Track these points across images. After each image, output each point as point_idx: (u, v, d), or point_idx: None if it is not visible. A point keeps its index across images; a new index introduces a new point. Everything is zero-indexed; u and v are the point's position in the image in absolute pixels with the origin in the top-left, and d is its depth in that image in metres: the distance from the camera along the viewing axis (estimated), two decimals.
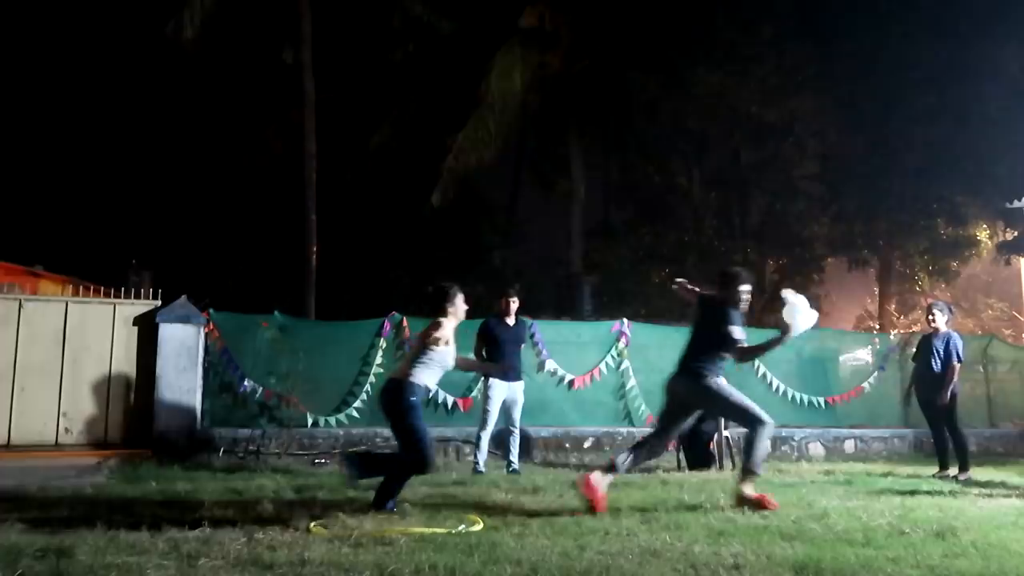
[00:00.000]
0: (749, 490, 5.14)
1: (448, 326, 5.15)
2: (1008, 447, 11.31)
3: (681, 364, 5.44)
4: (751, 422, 5.25)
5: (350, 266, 18.06)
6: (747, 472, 5.20)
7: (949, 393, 7.72)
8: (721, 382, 5.33)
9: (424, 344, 5.08)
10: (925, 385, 7.92)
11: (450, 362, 5.20)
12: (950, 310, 8.20)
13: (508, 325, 8.03)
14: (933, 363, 7.82)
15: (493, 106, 16.87)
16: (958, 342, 7.84)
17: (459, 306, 5.27)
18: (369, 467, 5.18)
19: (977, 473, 7.70)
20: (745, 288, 5.43)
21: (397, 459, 5.20)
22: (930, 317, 8.04)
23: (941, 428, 7.95)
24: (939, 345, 7.84)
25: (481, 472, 7.59)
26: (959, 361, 7.75)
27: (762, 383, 10.88)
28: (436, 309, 5.23)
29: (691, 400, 5.43)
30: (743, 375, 10.48)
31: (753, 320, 17.60)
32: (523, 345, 8.44)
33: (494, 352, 7.93)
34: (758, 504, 5.03)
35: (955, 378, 7.74)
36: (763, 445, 5.24)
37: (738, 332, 5.28)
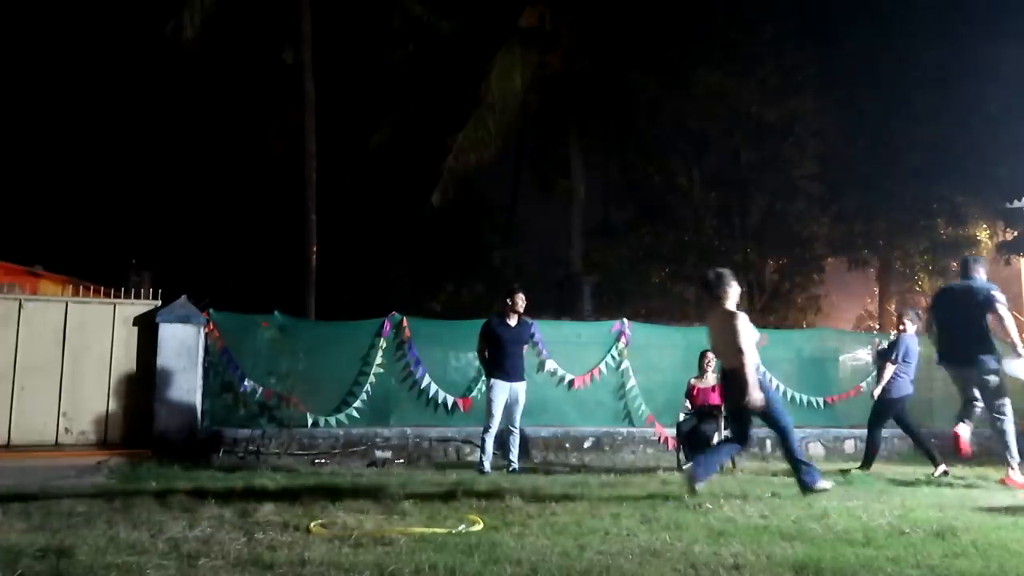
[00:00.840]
0: (1018, 477, 6.42)
1: (743, 314, 5.58)
2: None
3: (961, 352, 6.75)
4: (997, 413, 6.57)
5: (350, 266, 18.06)
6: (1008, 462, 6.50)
7: (881, 390, 8.12)
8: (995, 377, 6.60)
9: (741, 332, 5.49)
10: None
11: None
12: (919, 316, 8.59)
13: (510, 325, 8.01)
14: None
15: (493, 106, 16.86)
16: (906, 343, 8.17)
17: (735, 288, 5.72)
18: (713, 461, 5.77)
19: (977, 473, 7.72)
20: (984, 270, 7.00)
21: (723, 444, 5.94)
22: (900, 326, 8.43)
23: (915, 429, 8.32)
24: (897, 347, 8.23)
25: (486, 472, 7.59)
26: (894, 361, 8.09)
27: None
28: (713, 294, 5.72)
29: (974, 384, 6.68)
30: None
31: (754, 320, 17.63)
32: (526, 346, 8.43)
33: (497, 352, 7.92)
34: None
35: (886, 376, 8.10)
36: (1011, 435, 6.61)
37: (999, 296, 6.74)
